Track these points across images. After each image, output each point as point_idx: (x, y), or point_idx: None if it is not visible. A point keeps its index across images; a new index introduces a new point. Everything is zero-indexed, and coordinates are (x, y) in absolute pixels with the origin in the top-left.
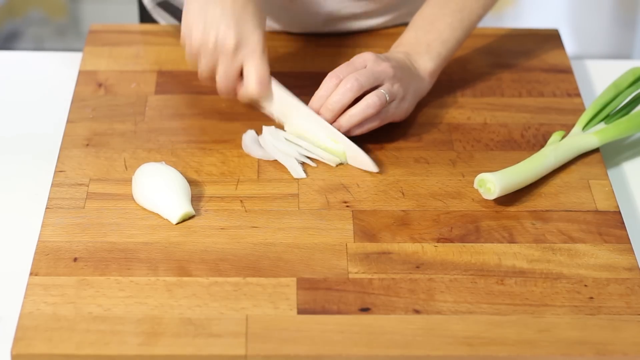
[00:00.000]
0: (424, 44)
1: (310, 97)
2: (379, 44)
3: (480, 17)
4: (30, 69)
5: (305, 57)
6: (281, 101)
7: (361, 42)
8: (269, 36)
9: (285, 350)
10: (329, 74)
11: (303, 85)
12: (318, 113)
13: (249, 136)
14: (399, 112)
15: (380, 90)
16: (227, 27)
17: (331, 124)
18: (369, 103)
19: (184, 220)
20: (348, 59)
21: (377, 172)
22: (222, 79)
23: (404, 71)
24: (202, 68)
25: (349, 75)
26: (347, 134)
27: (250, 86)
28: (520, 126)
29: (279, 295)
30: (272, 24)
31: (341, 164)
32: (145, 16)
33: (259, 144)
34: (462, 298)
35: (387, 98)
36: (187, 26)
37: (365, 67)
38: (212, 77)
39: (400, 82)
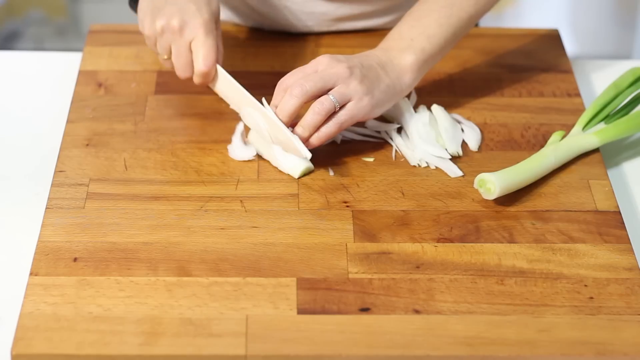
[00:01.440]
0: (408, 39)
1: None
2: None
3: (471, 17)
4: (30, 69)
5: (304, 57)
6: (228, 85)
7: (361, 42)
8: (268, 36)
9: (285, 350)
10: (278, 82)
11: None
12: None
13: (236, 143)
14: (360, 112)
15: (328, 95)
16: (170, 14)
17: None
18: (315, 110)
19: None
20: None
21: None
22: (176, 59)
23: (369, 69)
24: (160, 52)
25: (295, 82)
26: (307, 146)
27: (197, 63)
28: (520, 126)
29: (279, 295)
30: (271, 24)
31: (308, 173)
32: None
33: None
34: (462, 298)
35: (336, 103)
36: (140, 20)
37: (315, 72)
38: (171, 60)
39: (360, 81)
